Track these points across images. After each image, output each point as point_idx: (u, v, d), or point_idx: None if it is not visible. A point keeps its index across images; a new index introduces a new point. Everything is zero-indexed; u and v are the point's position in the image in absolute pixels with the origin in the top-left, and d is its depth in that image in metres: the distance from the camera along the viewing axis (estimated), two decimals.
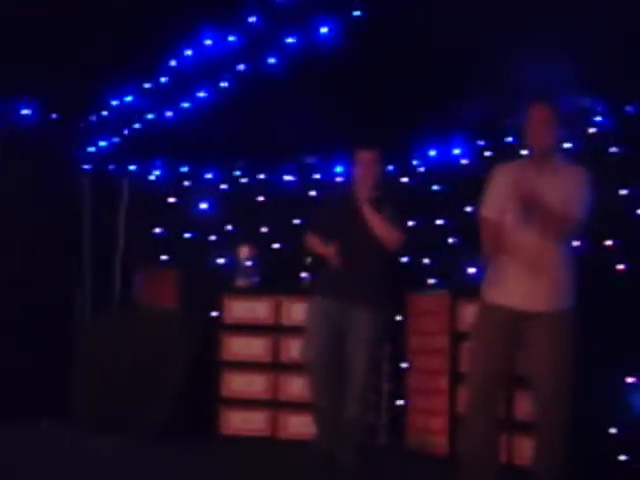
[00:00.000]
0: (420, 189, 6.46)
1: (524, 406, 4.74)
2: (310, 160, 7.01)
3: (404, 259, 6.50)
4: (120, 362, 6.26)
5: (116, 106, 6.96)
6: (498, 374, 3.81)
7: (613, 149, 5.26)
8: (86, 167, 7.20)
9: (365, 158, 4.66)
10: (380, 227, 4.55)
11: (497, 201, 3.88)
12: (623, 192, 5.08)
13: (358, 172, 4.69)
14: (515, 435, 5.03)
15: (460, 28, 5.41)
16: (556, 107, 3.87)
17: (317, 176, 6.95)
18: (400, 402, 6.18)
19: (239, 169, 7.18)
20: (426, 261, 6.40)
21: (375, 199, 4.62)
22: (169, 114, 6.79)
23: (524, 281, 3.77)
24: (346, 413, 4.52)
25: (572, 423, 4.84)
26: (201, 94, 6.63)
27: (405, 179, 6.56)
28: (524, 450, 4.88)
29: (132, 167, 7.29)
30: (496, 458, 3.84)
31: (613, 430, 4.84)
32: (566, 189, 3.78)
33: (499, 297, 3.83)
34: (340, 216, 4.64)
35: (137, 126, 6.95)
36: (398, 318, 6.32)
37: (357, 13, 5.98)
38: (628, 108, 5.23)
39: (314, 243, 4.77)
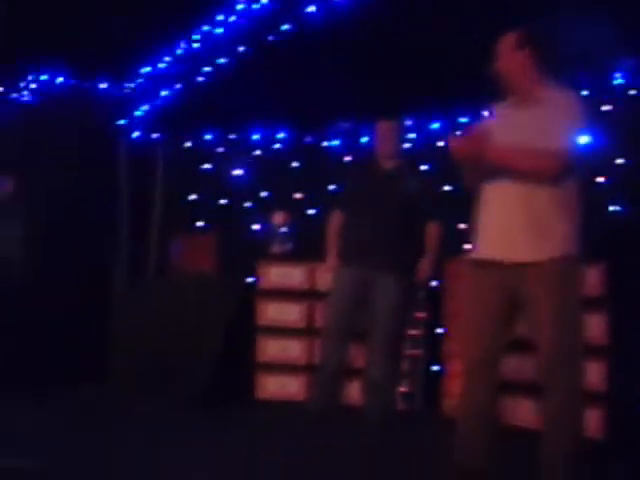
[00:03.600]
0: None
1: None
2: (345, 125, 6.95)
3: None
4: (158, 328, 6.33)
5: (149, 73, 6.96)
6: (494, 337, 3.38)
7: None
8: (121, 136, 7.22)
9: (384, 128, 4.81)
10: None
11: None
12: None
13: (377, 142, 4.85)
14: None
15: None
16: (529, 34, 3.41)
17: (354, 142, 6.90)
18: (436, 368, 6.17)
19: (277, 135, 7.15)
20: (462, 226, 6.33)
21: (398, 169, 4.73)
22: (201, 80, 6.77)
23: (508, 230, 3.33)
24: (371, 376, 4.64)
25: (607, 392, 4.82)
26: (234, 58, 6.60)
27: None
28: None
29: (166, 135, 7.29)
30: (493, 425, 3.43)
31: None
32: (547, 119, 3.28)
33: (484, 251, 3.42)
34: (363, 185, 4.79)
35: (170, 93, 6.94)
36: (434, 284, 6.28)
37: None
38: None
39: (329, 240, 4.90)
